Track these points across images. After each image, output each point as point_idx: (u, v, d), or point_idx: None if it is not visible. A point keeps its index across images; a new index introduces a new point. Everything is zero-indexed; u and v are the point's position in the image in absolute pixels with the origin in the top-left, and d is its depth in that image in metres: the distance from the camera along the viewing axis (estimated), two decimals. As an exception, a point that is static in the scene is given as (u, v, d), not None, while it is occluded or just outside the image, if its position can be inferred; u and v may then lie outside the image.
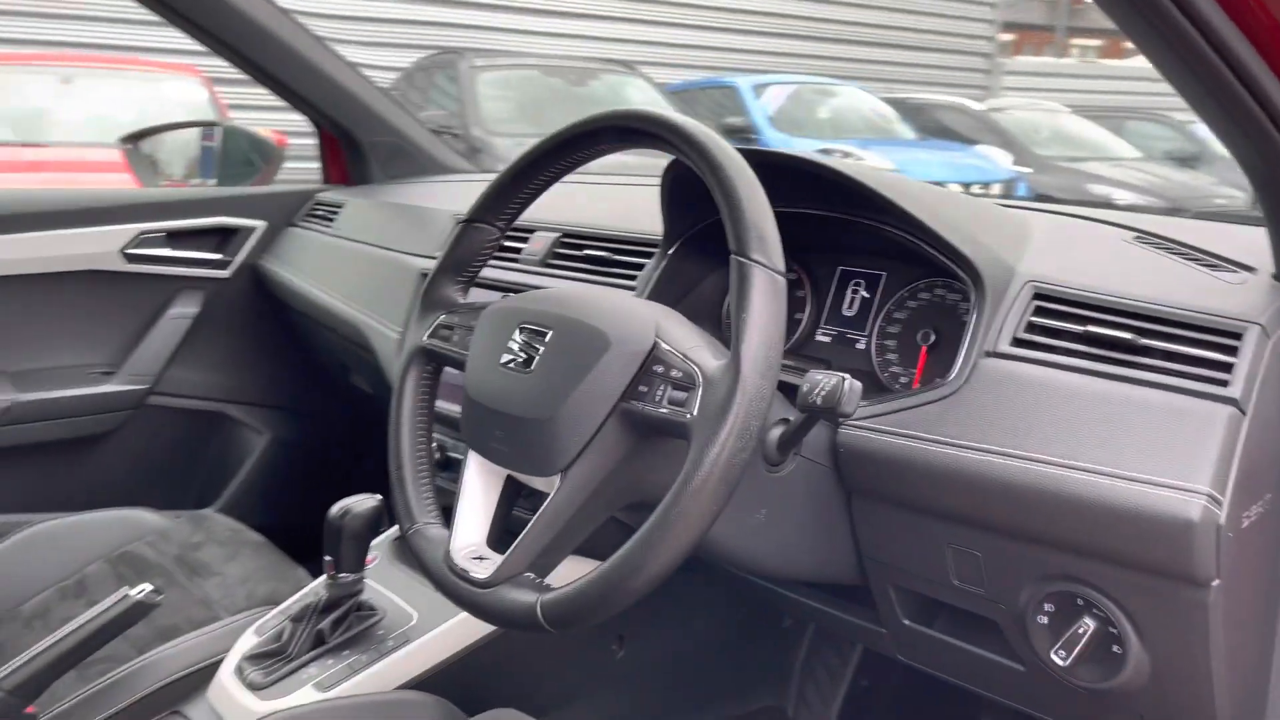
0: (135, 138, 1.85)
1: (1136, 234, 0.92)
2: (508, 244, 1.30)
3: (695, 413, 0.68)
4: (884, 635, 0.98)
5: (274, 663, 1.10)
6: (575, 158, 0.85)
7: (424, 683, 1.08)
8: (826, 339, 1.04)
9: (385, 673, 1.08)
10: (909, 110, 8.19)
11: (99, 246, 1.64)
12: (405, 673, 1.09)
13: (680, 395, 0.70)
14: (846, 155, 6.77)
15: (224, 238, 1.76)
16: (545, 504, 0.74)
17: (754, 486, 0.84)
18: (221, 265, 1.75)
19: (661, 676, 1.34)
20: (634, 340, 0.73)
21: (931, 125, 8.22)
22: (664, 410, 0.70)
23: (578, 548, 0.78)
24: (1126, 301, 0.79)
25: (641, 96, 7.07)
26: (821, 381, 0.74)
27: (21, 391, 1.59)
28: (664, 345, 0.73)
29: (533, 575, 0.75)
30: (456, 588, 0.78)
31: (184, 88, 5.50)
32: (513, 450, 0.78)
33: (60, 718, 1.10)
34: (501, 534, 0.81)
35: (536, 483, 0.79)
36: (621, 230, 1.19)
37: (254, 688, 1.07)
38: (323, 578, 1.13)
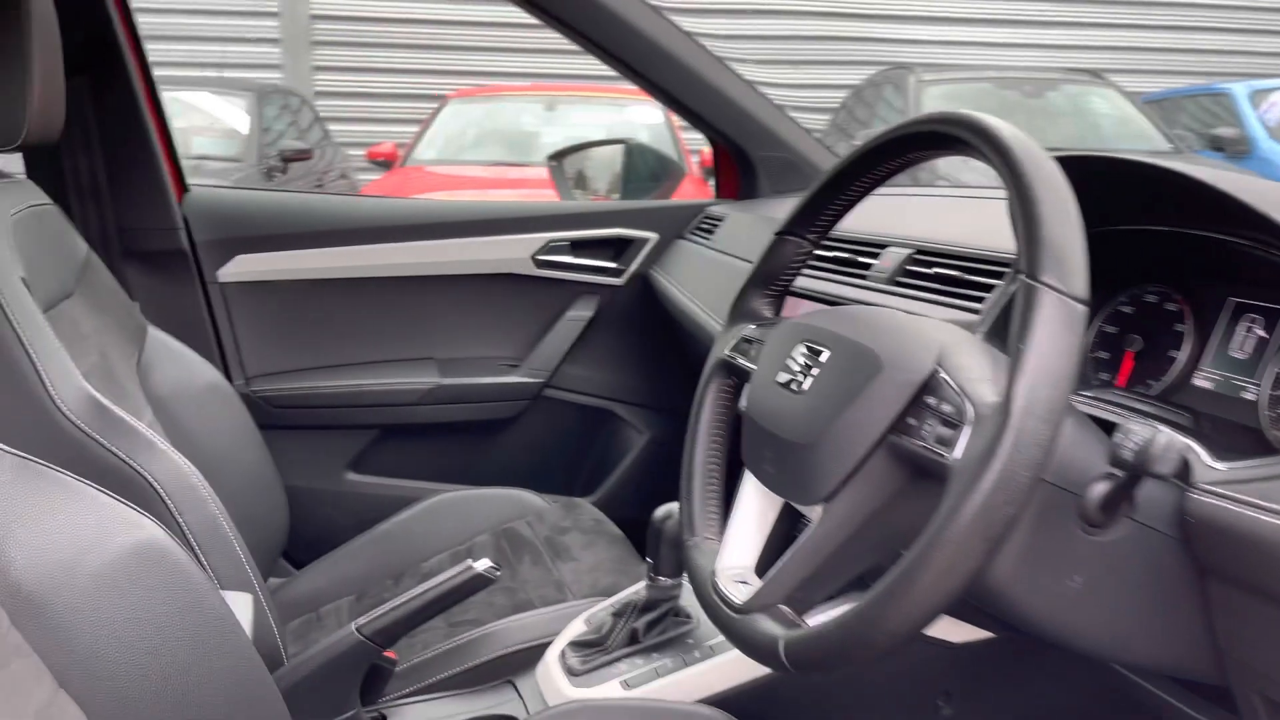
0: (558, 156, 2.05)
1: None
2: (860, 259, 1.24)
3: (958, 454, 0.60)
4: None
5: (592, 652, 1.15)
6: (885, 168, 0.79)
7: (723, 700, 1.07)
8: (1206, 384, 0.86)
9: (687, 683, 1.08)
10: None
11: (515, 253, 1.84)
12: (706, 686, 1.08)
13: (947, 433, 0.62)
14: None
15: (621, 247, 1.88)
16: (805, 534, 0.70)
17: (1066, 548, 0.71)
18: (616, 273, 1.88)
19: None
20: (909, 367, 0.66)
21: None
22: (930, 447, 0.63)
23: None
24: None
25: (1108, 108, 6.45)
26: (1134, 433, 0.61)
27: (444, 376, 1.83)
28: (942, 374, 0.64)
29: (788, 609, 0.70)
30: (714, 608, 0.76)
31: (645, 111, 6.00)
32: (780, 474, 0.74)
33: (419, 665, 1.24)
34: (772, 560, 0.78)
35: (807, 511, 0.74)
36: (978, 248, 1.09)
37: (570, 673, 1.13)
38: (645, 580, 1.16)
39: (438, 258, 1.81)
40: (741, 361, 0.86)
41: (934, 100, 6.29)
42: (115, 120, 1.61)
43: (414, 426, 1.85)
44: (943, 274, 1.09)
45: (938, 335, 0.68)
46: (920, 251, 1.16)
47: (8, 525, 0.73)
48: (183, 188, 1.74)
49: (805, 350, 0.74)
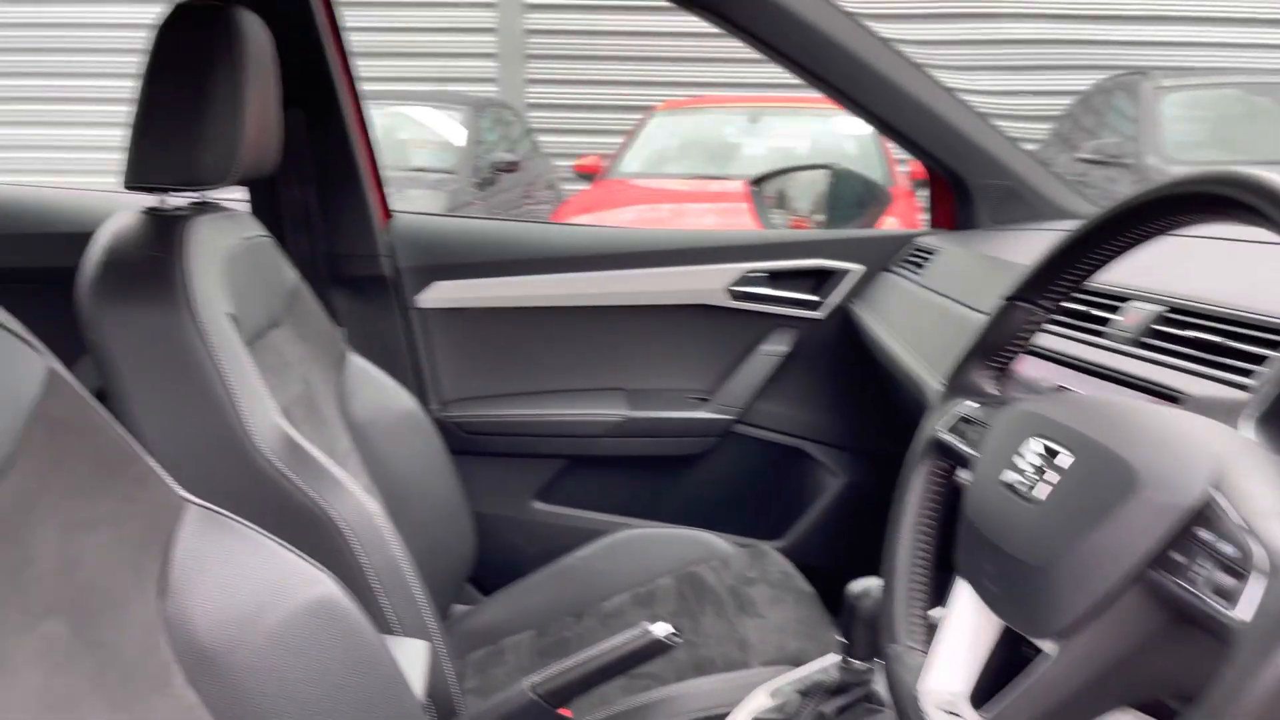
0: (759, 180, 1.97)
1: None
2: (1095, 313, 1.09)
3: (1244, 614, 0.48)
4: None
5: (775, 734, 1.07)
6: (1141, 233, 0.67)
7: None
8: None
9: (878, 781, 0.98)
10: None
11: (708, 283, 1.77)
12: (900, 788, 0.97)
13: (1228, 582, 0.49)
14: None
15: (821, 279, 1.78)
16: (1035, 672, 0.59)
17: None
18: (815, 306, 1.78)
19: None
20: (1175, 487, 0.54)
21: None
22: (1203, 597, 0.50)
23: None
24: None
25: (1383, 114, 5.73)
26: None
27: (633, 409, 1.79)
28: (1220, 502, 0.52)
29: None
30: None
31: (851, 122, 5.81)
32: (1004, 594, 0.63)
33: (594, 724, 1.20)
34: (989, 689, 0.67)
35: (1038, 642, 0.63)
36: (1248, 309, 0.92)
37: (751, 753, 1.05)
38: (837, 657, 1.07)
39: (630, 288, 1.78)
40: (959, 445, 0.76)
41: (1173, 108, 5.79)
42: (328, 149, 1.66)
43: (601, 458, 1.82)
44: (1200, 338, 0.94)
45: (1212, 446, 0.56)
46: (1173, 309, 1.00)
47: (190, 580, 0.73)
48: (387, 214, 1.78)
49: (1040, 449, 0.63)
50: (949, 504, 0.80)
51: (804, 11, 1.50)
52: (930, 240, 1.68)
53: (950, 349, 1.27)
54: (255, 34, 1.16)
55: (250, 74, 1.13)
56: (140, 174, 1.10)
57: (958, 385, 0.80)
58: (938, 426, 0.79)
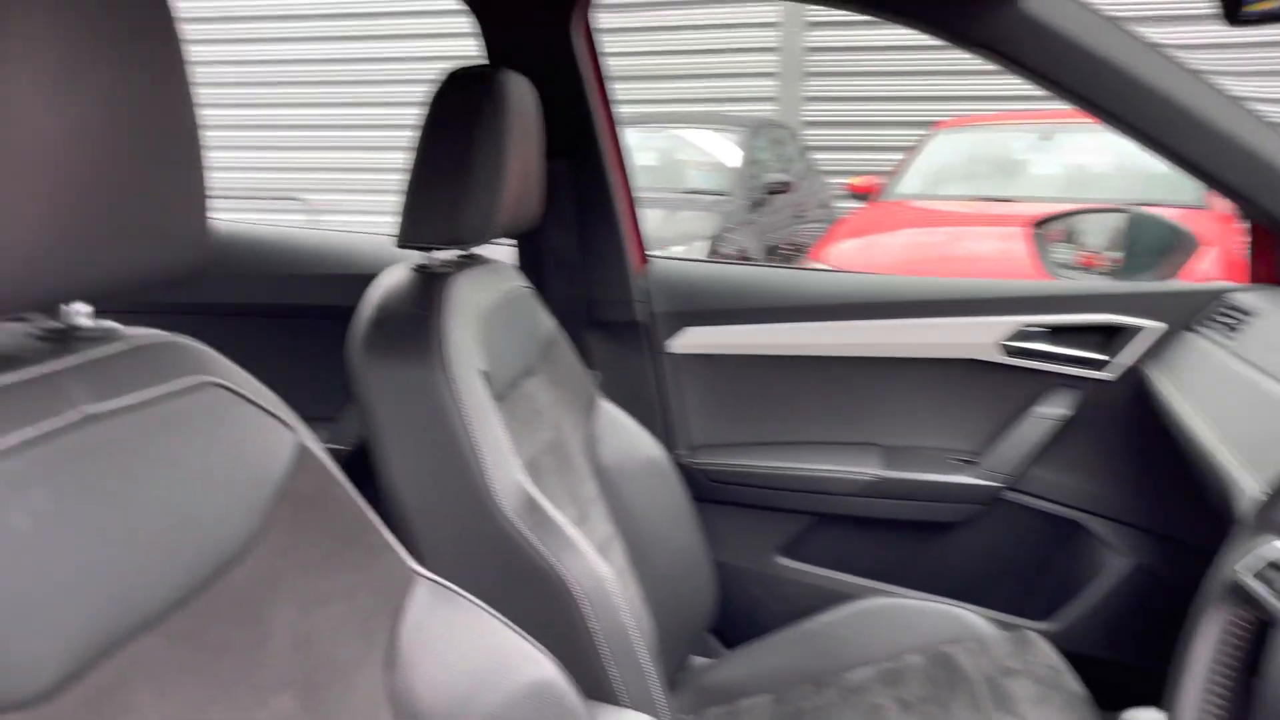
0: (1043, 222, 1.80)
1: None
2: None
3: None
4: None
5: None
6: None
7: None
8: None
9: None
10: None
11: (979, 337, 1.64)
12: None
13: None
14: None
15: (1109, 336, 1.60)
16: None
17: None
18: (1102, 366, 1.60)
19: None
20: None
21: None
22: None
23: None
24: None
25: None
26: None
27: (889, 468, 1.68)
28: None
29: None
30: None
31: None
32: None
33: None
34: None
35: None
36: None
37: None
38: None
39: (891, 339, 1.67)
40: (1268, 599, 0.63)
41: None
42: (588, 197, 1.69)
43: (850, 518, 1.72)
44: None
45: None
46: None
47: (416, 654, 0.74)
48: (643, 259, 1.79)
49: None
50: (1251, 658, 0.67)
51: (1084, 39, 1.34)
52: (1247, 298, 1.46)
53: (1270, 443, 1.09)
54: (520, 94, 1.19)
55: (513, 134, 1.16)
56: (410, 234, 1.15)
57: (1270, 520, 0.67)
58: (1239, 568, 0.66)
